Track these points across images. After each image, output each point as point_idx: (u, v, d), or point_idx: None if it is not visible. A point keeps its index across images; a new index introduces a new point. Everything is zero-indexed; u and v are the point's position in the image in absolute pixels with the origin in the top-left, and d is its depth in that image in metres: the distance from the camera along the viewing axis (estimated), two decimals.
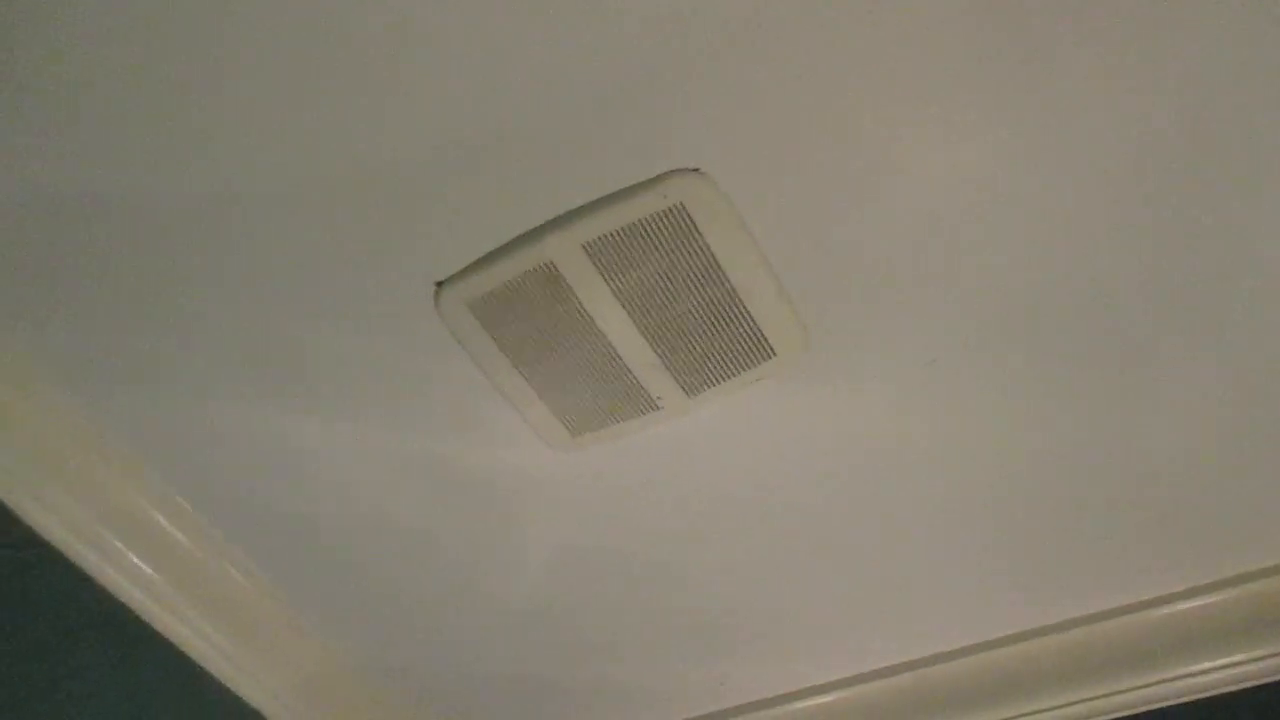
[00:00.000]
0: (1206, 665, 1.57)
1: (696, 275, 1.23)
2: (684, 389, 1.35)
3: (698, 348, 1.30)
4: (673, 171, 1.14)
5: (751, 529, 1.56)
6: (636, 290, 1.24)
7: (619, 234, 1.19)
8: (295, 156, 1.14)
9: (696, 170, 1.14)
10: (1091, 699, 1.63)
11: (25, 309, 1.30)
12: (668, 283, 1.23)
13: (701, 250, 1.21)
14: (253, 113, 1.11)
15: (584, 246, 1.20)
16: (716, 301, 1.25)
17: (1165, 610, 1.60)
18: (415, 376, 1.39)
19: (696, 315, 1.27)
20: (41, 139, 1.12)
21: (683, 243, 1.20)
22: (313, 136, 1.12)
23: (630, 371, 1.34)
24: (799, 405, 1.40)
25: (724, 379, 1.34)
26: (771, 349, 1.31)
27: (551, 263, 1.22)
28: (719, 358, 1.32)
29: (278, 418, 1.42)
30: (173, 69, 1.07)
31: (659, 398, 1.37)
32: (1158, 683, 1.59)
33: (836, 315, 1.30)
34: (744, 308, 1.26)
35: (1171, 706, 1.60)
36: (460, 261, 1.25)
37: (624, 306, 1.26)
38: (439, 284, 1.28)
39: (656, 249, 1.20)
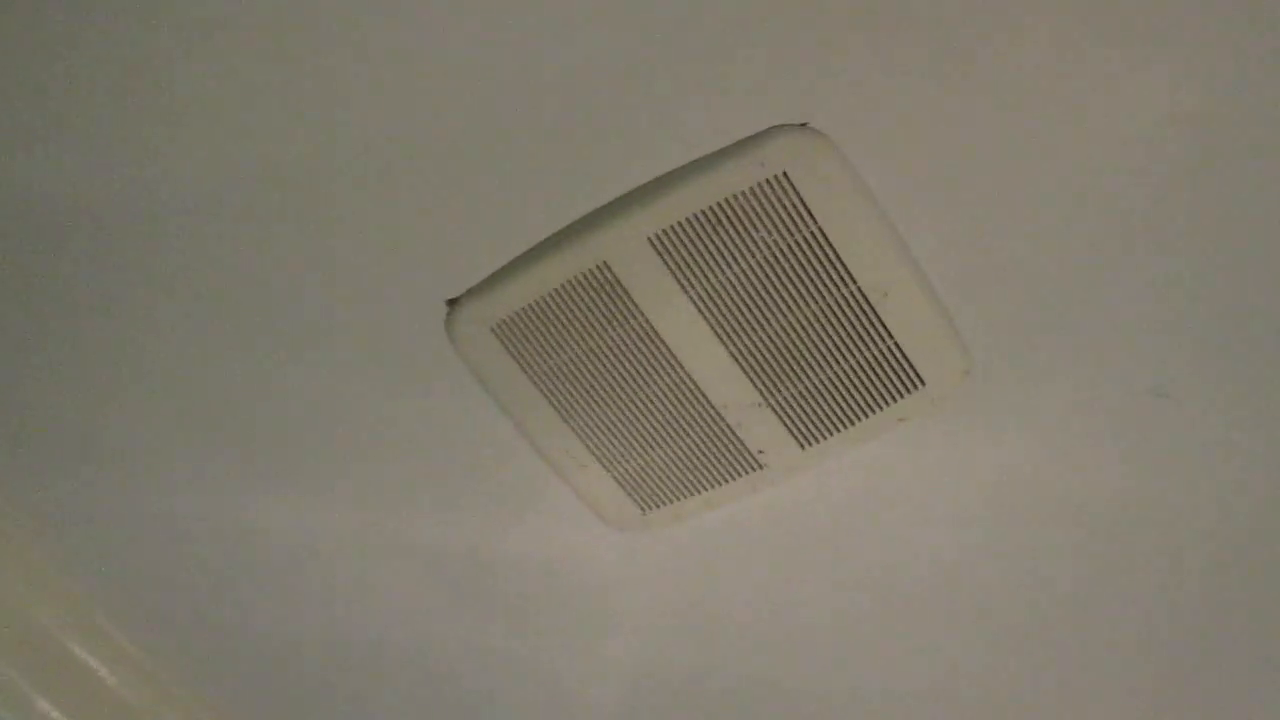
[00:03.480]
0: None
1: (809, 275, 1.19)
2: (796, 437, 1.31)
3: (813, 379, 1.26)
4: (773, 129, 1.11)
5: (892, 633, 1.52)
6: (725, 299, 1.21)
7: (699, 220, 1.16)
8: (240, 150, 1.16)
9: (804, 126, 1.10)
10: None
11: None
12: (769, 287, 1.20)
13: (815, 239, 1.16)
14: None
15: (650, 240, 1.17)
16: (839, 311, 1.21)
17: None
18: (423, 433, 1.39)
19: (811, 333, 1.22)
20: None
21: (789, 228, 1.16)
22: (263, 123, 1.14)
23: (719, 415, 1.30)
24: (956, 456, 1.35)
25: (851, 421, 1.29)
26: (918, 377, 1.25)
27: (605, 264, 1.19)
28: (843, 392, 1.27)
29: (244, 504, 1.44)
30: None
31: (760, 452, 1.32)
32: None
33: (1013, 327, 1.24)
34: (878, 319, 1.21)
35: None
36: (479, 270, 1.24)
37: (708, 322, 1.22)
38: (451, 302, 1.26)
39: (751, 239, 1.17)
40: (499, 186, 1.17)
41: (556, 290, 1.22)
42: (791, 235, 1.16)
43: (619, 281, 1.20)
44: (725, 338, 1.24)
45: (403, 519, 1.45)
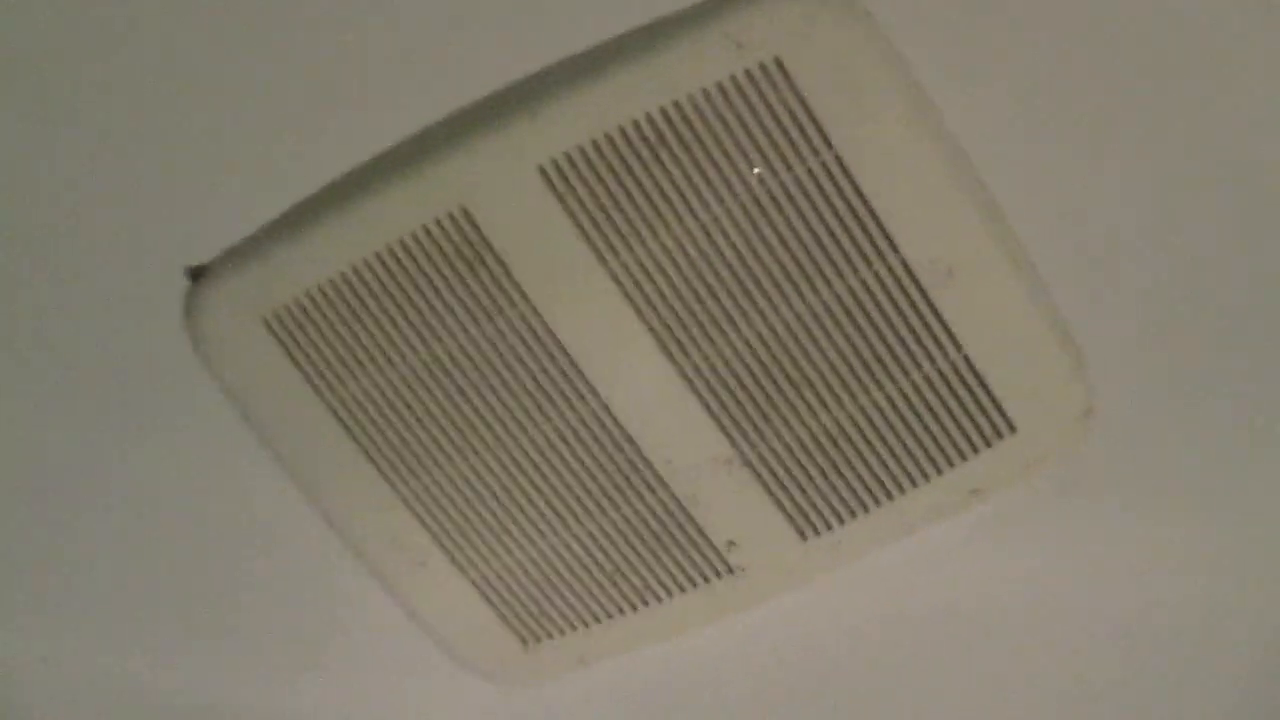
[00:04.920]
0: None
1: (819, 239, 0.95)
2: (792, 521, 1.05)
3: (823, 420, 1.01)
4: None
5: None
6: (673, 278, 0.97)
7: (628, 139, 0.93)
8: None
9: None
10: None
11: None
12: (748, 259, 0.96)
13: (829, 175, 0.92)
14: None
15: (543, 170, 0.94)
16: (869, 302, 0.98)
17: None
18: (138, 501, 1.21)
19: (820, 339, 0.98)
20: None
21: (784, 157, 0.92)
22: None
23: (660, 480, 1.05)
24: (1065, 557, 1.16)
25: (887, 494, 1.03)
26: (1004, 419, 1.00)
27: (464, 210, 0.96)
28: (875, 443, 1.02)
29: None
30: None
31: (730, 544, 1.07)
32: None
33: (1173, 342, 1.06)
34: (936, 317, 0.96)
35: None
36: (244, 220, 1.00)
37: (642, 315, 0.98)
38: (195, 273, 1.02)
39: (719, 175, 0.93)
40: (276, 68, 0.97)
41: (378, 255, 0.98)
42: (789, 168, 0.93)
43: (486, 241, 0.97)
44: (672, 343, 0.99)
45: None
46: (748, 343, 1.00)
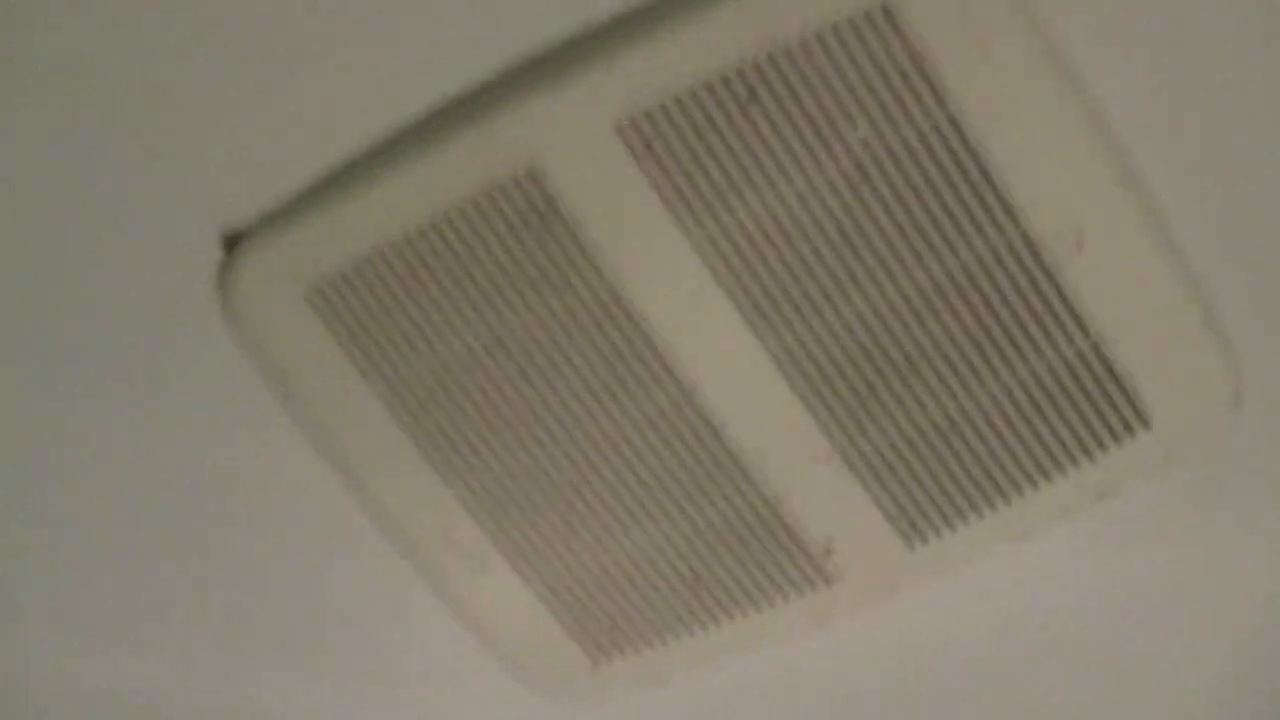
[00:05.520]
0: None
1: (931, 207, 0.89)
2: (897, 525, 1.00)
3: (934, 413, 0.96)
4: None
5: None
6: (765, 250, 0.91)
7: (716, 94, 0.87)
8: None
9: None
10: None
11: None
12: (851, 229, 0.90)
13: (941, 136, 0.87)
14: None
15: (620, 127, 0.89)
16: (986, 279, 0.92)
17: None
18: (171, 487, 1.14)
19: (930, 321, 0.93)
20: None
21: (893, 114, 0.87)
22: None
23: (748, 477, 1.00)
24: (1210, 561, 1.09)
25: (1004, 496, 0.98)
26: (1136, 412, 0.95)
27: (531, 172, 0.91)
28: (991, 437, 0.97)
29: None
30: None
31: (828, 550, 1.02)
32: None
33: None
34: (1060, 296, 0.91)
35: None
36: (285, 184, 0.96)
37: (730, 292, 0.92)
38: (231, 242, 0.98)
39: (819, 134, 0.87)
40: (324, 9, 0.90)
41: (434, 220, 0.94)
42: (896, 128, 0.87)
43: (556, 206, 0.92)
44: (762, 322, 0.95)
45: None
46: (848, 324, 0.96)
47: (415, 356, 1.01)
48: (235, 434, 1.13)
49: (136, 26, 0.96)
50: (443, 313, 0.98)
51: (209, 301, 1.03)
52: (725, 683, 1.18)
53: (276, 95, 0.98)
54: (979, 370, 0.95)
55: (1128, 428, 0.96)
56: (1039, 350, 0.94)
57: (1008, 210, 0.89)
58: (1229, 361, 0.96)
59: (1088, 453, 0.97)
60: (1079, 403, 0.96)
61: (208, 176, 1.00)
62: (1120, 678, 1.22)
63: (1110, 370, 0.95)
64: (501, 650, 1.15)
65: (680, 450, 1.02)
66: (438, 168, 0.94)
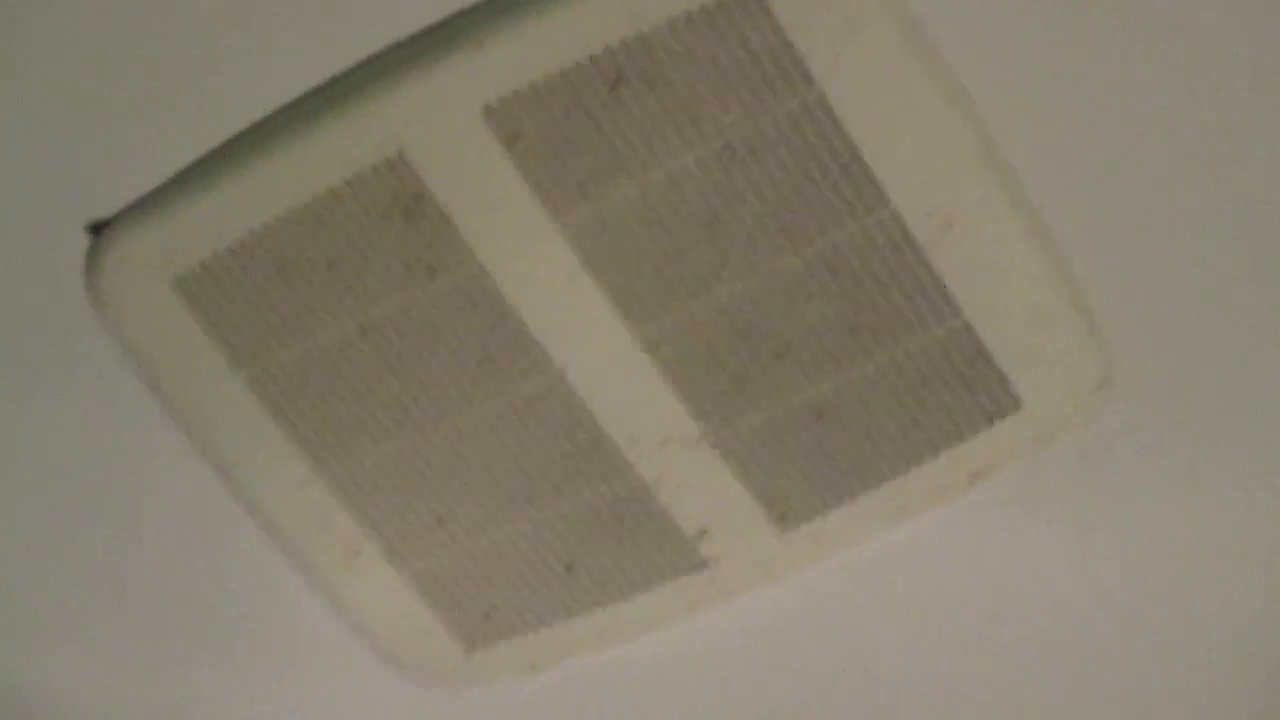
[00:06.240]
0: None
1: (800, 188, 0.90)
2: (769, 509, 1.00)
3: (804, 395, 0.97)
4: None
5: None
6: (635, 233, 0.92)
7: (584, 74, 0.87)
8: None
9: None
10: None
11: None
12: (720, 210, 0.91)
13: (810, 115, 0.88)
14: None
15: (489, 109, 0.89)
16: (856, 259, 0.93)
17: None
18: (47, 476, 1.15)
19: (799, 302, 0.94)
20: None
21: (763, 91, 0.87)
22: None
23: (621, 460, 1.01)
24: (1080, 546, 1.10)
25: (878, 478, 1.00)
26: (1009, 392, 0.96)
27: (400, 155, 0.91)
28: (863, 419, 0.98)
29: None
30: None
31: (702, 534, 1.03)
32: None
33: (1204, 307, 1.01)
34: (932, 277, 0.92)
35: None
36: (152, 171, 0.95)
37: (600, 277, 0.93)
38: (96, 229, 0.97)
39: (687, 115, 0.88)
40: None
41: (303, 206, 0.92)
42: (767, 110, 0.88)
43: (426, 190, 0.91)
44: (632, 306, 0.95)
45: None
46: (719, 308, 0.96)
47: (285, 345, 1.00)
48: (111, 426, 1.12)
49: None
50: (312, 300, 0.98)
51: (78, 291, 1.02)
52: (602, 668, 1.18)
53: (141, 81, 0.96)
54: (851, 353, 0.96)
55: (999, 408, 0.97)
56: (911, 332, 0.95)
57: (877, 191, 0.89)
58: (1098, 343, 0.97)
59: (960, 434, 0.98)
60: (951, 384, 0.96)
61: (73, 163, 0.99)
62: (999, 659, 1.22)
63: (981, 351, 0.95)
64: (375, 639, 1.14)
65: (552, 436, 1.02)
66: (305, 154, 0.93)
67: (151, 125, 0.97)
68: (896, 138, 0.90)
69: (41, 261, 1.03)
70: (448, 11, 0.90)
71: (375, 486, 1.05)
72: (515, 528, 1.06)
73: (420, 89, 0.90)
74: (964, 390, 0.97)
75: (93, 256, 0.98)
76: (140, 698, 1.32)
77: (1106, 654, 1.23)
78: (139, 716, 1.34)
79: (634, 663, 1.18)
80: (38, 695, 1.40)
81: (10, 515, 1.25)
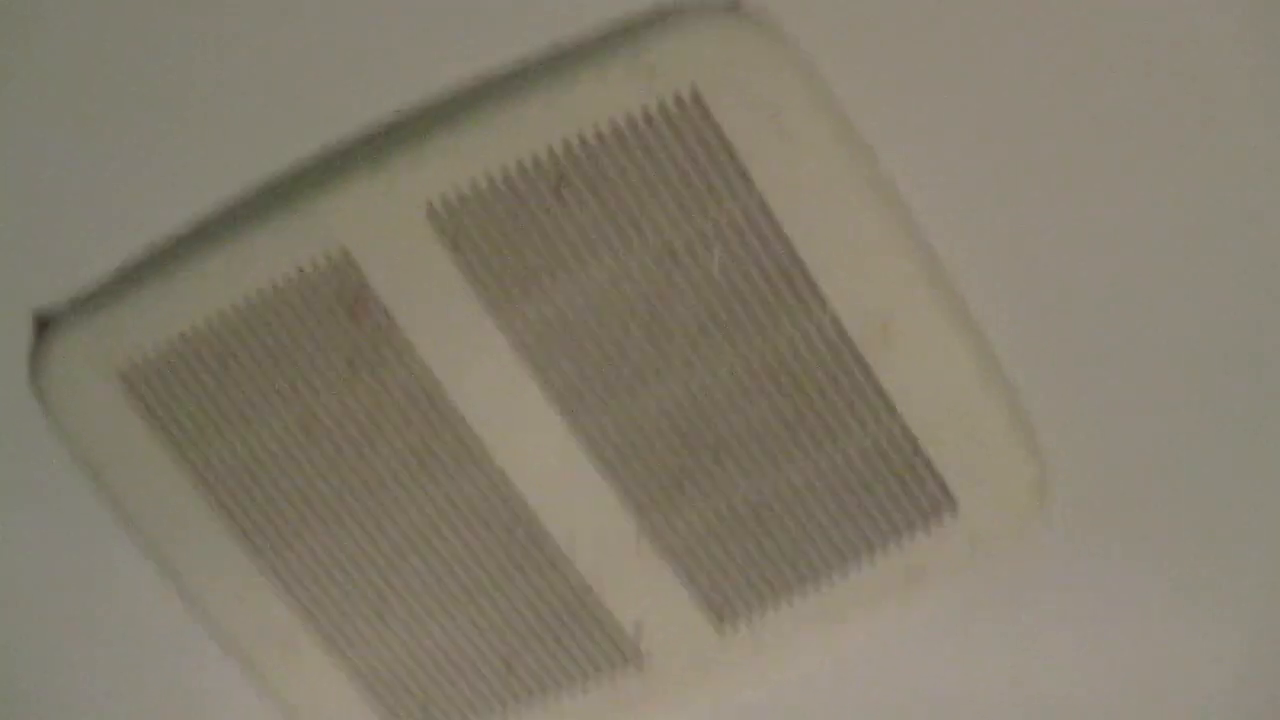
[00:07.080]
0: None
1: (740, 292, 0.91)
2: (708, 607, 1.01)
3: (742, 494, 0.97)
4: (678, 7, 0.87)
5: None
6: (576, 334, 0.92)
7: (529, 178, 0.87)
8: None
9: (735, 6, 0.87)
10: None
11: None
12: (660, 314, 0.92)
13: (751, 220, 0.88)
14: None
15: (433, 209, 0.89)
16: (795, 362, 0.93)
17: None
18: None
19: (738, 404, 0.94)
20: None
21: (701, 199, 0.88)
22: None
23: (560, 557, 1.01)
24: (1015, 653, 1.09)
25: (814, 577, 0.99)
26: (945, 492, 0.96)
27: (345, 252, 0.91)
28: (801, 519, 0.97)
29: None
30: None
31: (637, 627, 1.02)
32: None
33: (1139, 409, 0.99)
34: (870, 380, 0.92)
35: None
36: (99, 264, 0.96)
37: (542, 376, 0.92)
38: (43, 324, 0.98)
39: (628, 219, 0.89)
40: (132, 91, 0.91)
41: (246, 302, 0.93)
42: (708, 213, 0.88)
43: (368, 287, 0.92)
44: (572, 405, 0.95)
45: None
46: (659, 408, 0.96)
47: (228, 441, 1.00)
48: (55, 522, 1.11)
49: None
50: (256, 397, 0.98)
51: (23, 386, 1.01)
52: None
53: (88, 176, 0.97)
54: (789, 453, 0.96)
55: (936, 510, 0.97)
56: (849, 433, 0.96)
57: (816, 294, 0.90)
58: (1034, 450, 0.98)
59: (897, 534, 0.98)
60: (889, 485, 0.96)
61: (19, 257, 0.99)
62: None
63: (918, 455, 0.96)
64: None
65: (492, 533, 1.02)
66: (249, 252, 0.93)
67: (99, 219, 0.97)
68: (836, 243, 0.90)
69: None
70: (393, 111, 0.91)
71: (316, 580, 1.05)
72: (455, 622, 1.06)
73: (365, 189, 0.90)
74: (901, 491, 0.97)
75: (38, 351, 0.99)
76: None
77: None
78: None
79: None
80: None
81: None
